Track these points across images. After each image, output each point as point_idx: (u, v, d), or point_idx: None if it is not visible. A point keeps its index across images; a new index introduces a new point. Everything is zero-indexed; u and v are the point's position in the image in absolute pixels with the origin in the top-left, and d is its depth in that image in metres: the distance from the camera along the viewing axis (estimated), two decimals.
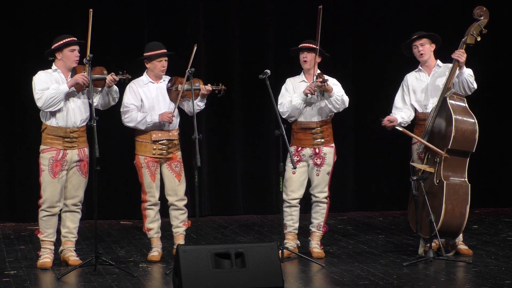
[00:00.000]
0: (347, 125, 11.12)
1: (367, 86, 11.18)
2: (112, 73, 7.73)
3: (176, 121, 8.07)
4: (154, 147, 8.04)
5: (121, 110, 8.08)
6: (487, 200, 11.39)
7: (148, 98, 8.06)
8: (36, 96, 7.65)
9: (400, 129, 8.11)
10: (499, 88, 11.45)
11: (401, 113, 8.21)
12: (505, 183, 11.52)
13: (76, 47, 7.75)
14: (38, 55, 9.88)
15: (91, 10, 7.72)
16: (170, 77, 8.00)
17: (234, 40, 11.06)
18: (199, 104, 8.10)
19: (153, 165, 8.07)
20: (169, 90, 8.02)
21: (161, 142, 8.03)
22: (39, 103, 7.64)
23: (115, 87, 7.81)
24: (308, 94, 8.01)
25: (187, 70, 7.87)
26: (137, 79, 8.15)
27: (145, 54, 8.11)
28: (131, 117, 8.02)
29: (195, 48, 8.00)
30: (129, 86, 8.11)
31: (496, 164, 11.52)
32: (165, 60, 8.11)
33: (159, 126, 8.03)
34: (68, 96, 7.71)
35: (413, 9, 11.24)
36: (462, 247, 8.14)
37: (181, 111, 8.19)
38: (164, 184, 8.12)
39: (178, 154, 8.08)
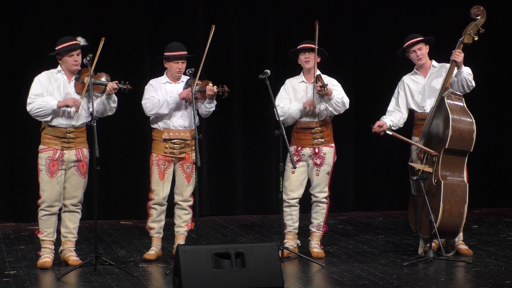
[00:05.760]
0: (347, 125, 11.11)
1: (367, 87, 11.18)
2: (115, 81, 7.72)
3: (190, 121, 8.04)
4: (166, 145, 8.05)
5: (143, 102, 8.09)
6: (487, 200, 11.39)
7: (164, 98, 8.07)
8: (28, 100, 7.68)
9: (391, 133, 8.11)
10: (499, 88, 11.45)
11: (390, 116, 8.22)
12: (505, 183, 11.52)
13: (76, 52, 7.73)
14: (38, 55, 9.93)
15: (104, 38, 7.71)
16: (188, 78, 7.96)
17: (234, 40, 11.06)
18: (207, 106, 8.09)
19: (164, 164, 8.07)
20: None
21: (173, 141, 8.04)
22: (28, 108, 7.68)
23: (114, 97, 7.80)
24: (307, 109, 8.02)
25: (187, 70, 7.88)
26: (156, 79, 8.18)
27: (164, 54, 8.10)
28: (152, 104, 8.01)
29: (213, 29, 8.00)
30: (148, 84, 8.15)
31: (496, 164, 11.53)
32: (182, 62, 8.08)
33: (183, 105, 8.00)
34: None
35: (413, 10, 11.24)
36: (462, 247, 8.14)
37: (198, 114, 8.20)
38: (175, 182, 8.13)
39: (192, 155, 8.05)
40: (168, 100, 7.98)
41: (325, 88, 7.89)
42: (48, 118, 7.68)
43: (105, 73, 7.81)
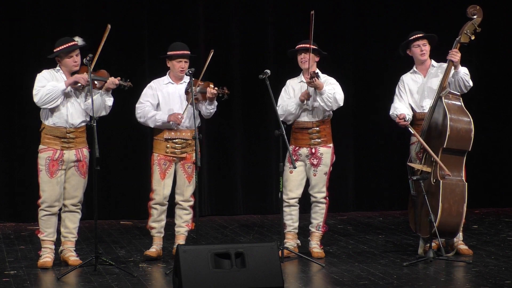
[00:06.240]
0: (347, 125, 11.12)
1: (367, 87, 11.18)
2: (118, 77, 7.73)
3: (191, 121, 8.04)
4: (168, 145, 8.05)
5: (136, 105, 8.10)
6: (487, 200, 11.39)
7: (165, 99, 8.07)
8: (34, 92, 7.67)
9: (412, 131, 8.06)
10: (497, 87, 11.45)
11: (407, 110, 8.14)
12: (505, 183, 11.52)
13: (75, 52, 7.73)
14: (38, 55, 9.93)
15: (109, 25, 7.71)
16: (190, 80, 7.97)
17: (234, 40, 11.06)
18: (208, 108, 8.10)
19: (165, 164, 8.07)
20: (186, 92, 8.02)
21: (174, 140, 8.04)
22: (35, 99, 7.66)
23: (111, 96, 7.79)
24: (304, 100, 8.02)
25: (187, 70, 7.88)
26: (158, 79, 8.18)
27: (167, 53, 8.11)
28: (143, 112, 8.04)
29: (212, 53, 8.00)
30: (149, 85, 8.16)
31: (496, 164, 11.53)
32: (185, 62, 8.09)
33: (171, 125, 8.02)
34: (68, 97, 7.72)
35: (413, 10, 11.25)
36: (462, 247, 8.14)
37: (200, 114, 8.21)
38: (176, 182, 8.13)
39: (193, 155, 8.03)
40: (156, 117, 8.00)
41: (314, 79, 7.86)
42: (59, 102, 7.64)
43: (104, 70, 7.81)
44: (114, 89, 7.79)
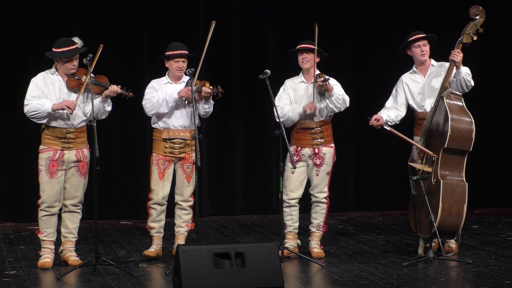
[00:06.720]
0: (347, 125, 11.11)
1: (367, 87, 11.18)
2: (119, 85, 7.73)
3: (190, 121, 8.04)
4: (166, 145, 8.05)
5: (143, 103, 8.09)
6: (487, 200, 11.39)
7: None
8: (25, 102, 7.70)
9: (388, 128, 8.10)
10: (499, 88, 11.45)
11: (388, 112, 8.22)
12: (505, 183, 11.52)
13: (74, 56, 7.70)
14: (38, 55, 9.91)
15: (102, 45, 7.69)
16: (188, 79, 7.96)
17: (234, 40, 11.06)
18: (204, 107, 8.09)
19: (164, 164, 8.07)
20: None
21: (173, 141, 8.03)
22: (24, 109, 7.70)
23: (110, 101, 7.78)
24: (307, 111, 8.02)
25: (187, 70, 7.88)
26: (157, 79, 8.18)
27: (165, 53, 8.10)
28: (152, 104, 8.01)
29: (213, 25, 8.00)
30: (149, 85, 8.15)
31: (496, 164, 11.53)
32: (183, 61, 8.09)
33: (179, 109, 8.00)
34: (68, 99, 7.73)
35: (413, 10, 11.24)
36: (452, 245, 8.14)
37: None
38: (175, 182, 8.13)
39: (192, 155, 8.04)
40: (167, 99, 7.98)
41: (327, 83, 7.88)
42: (44, 121, 7.69)
43: (104, 76, 7.81)
44: (113, 97, 7.79)
